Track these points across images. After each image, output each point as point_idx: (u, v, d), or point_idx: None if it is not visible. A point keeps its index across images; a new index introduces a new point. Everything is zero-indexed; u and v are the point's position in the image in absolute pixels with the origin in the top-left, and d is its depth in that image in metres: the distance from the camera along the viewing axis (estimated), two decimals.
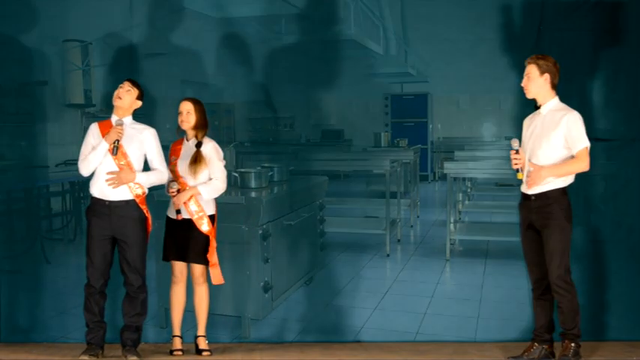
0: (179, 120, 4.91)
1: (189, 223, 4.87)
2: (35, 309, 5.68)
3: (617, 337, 5.40)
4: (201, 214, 4.86)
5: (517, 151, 4.58)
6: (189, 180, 4.87)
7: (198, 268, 4.92)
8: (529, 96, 4.65)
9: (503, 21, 5.78)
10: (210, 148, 4.91)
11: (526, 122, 4.75)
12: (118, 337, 4.87)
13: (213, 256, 4.90)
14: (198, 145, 4.89)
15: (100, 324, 4.76)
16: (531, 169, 4.56)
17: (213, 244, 4.90)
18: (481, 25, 5.79)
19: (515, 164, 4.58)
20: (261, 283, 5.49)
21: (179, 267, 4.93)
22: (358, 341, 5.56)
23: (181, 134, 4.99)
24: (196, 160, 4.85)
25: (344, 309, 5.83)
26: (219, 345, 5.28)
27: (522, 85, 4.63)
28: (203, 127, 4.92)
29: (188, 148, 4.92)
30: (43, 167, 5.88)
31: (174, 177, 4.89)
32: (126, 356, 4.76)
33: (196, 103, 4.93)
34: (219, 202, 5.00)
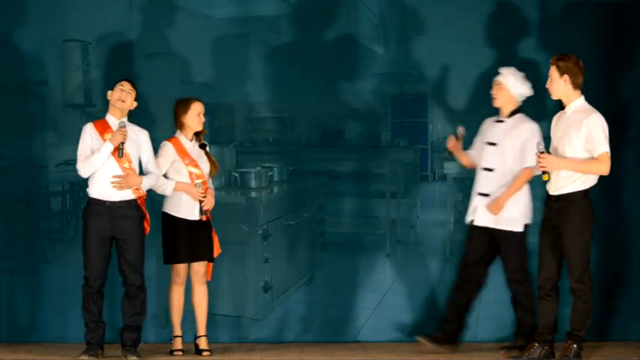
0: (199, 121, 4.90)
1: (202, 222, 4.89)
2: (35, 309, 5.68)
3: (618, 337, 5.41)
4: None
5: (542, 153, 4.52)
6: (208, 181, 4.94)
7: (203, 267, 4.94)
8: (553, 97, 4.63)
9: (503, 21, 5.77)
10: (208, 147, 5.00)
11: (553, 120, 4.73)
12: (117, 337, 4.87)
13: (217, 251, 4.95)
14: (204, 146, 4.95)
15: (99, 323, 4.77)
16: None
17: (216, 238, 4.98)
18: (481, 26, 5.78)
19: (542, 166, 4.55)
20: (261, 283, 5.49)
21: (185, 268, 4.93)
22: (358, 341, 5.56)
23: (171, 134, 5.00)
24: (212, 161, 4.97)
25: (344, 309, 5.83)
26: (219, 345, 5.28)
27: (547, 87, 4.62)
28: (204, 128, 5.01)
29: (192, 148, 4.93)
30: (43, 167, 5.88)
31: (192, 179, 4.87)
32: (126, 356, 4.77)
33: None
34: (218, 202, 5.01)
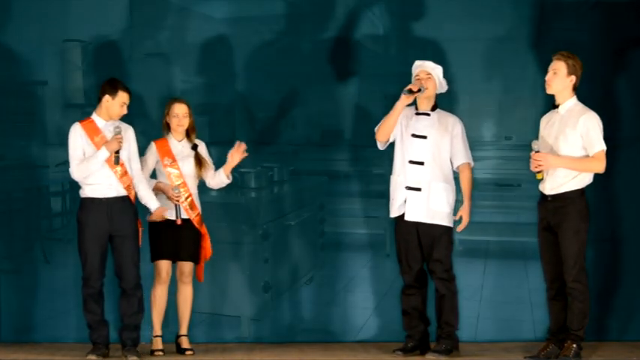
0: (175, 123, 4.91)
1: (184, 223, 4.88)
2: (35, 309, 5.68)
3: (618, 337, 5.41)
4: (198, 214, 4.91)
5: (537, 152, 4.50)
6: (190, 181, 4.91)
7: (188, 267, 4.94)
8: (550, 91, 4.58)
9: (502, 21, 5.78)
10: (204, 148, 5.04)
11: (543, 120, 4.71)
12: (116, 337, 4.88)
13: (208, 253, 4.94)
14: (195, 147, 4.95)
15: (103, 322, 4.78)
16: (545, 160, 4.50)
17: (208, 241, 4.97)
18: (481, 25, 5.79)
19: (537, 165, 4.51)
20: (261, 283, 5.50)
21: (167, 267, 4.94)
22: (358, 341, 5.56)
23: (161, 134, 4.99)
24: (201, 163, 4.94)
25: (344, 309, 5.83)
26: (219, 345, 5.29)
27: (547, 79, 4.57)
28: (194, 128, 5.00)
29: (180, 149, 4.94)
30: (43, 167, 5.88)
31: (171, 180, 4.87)
32: (126, 356, 4.77)
33: (189, 105, 4.97)
34: (218, 202, 5.01)
